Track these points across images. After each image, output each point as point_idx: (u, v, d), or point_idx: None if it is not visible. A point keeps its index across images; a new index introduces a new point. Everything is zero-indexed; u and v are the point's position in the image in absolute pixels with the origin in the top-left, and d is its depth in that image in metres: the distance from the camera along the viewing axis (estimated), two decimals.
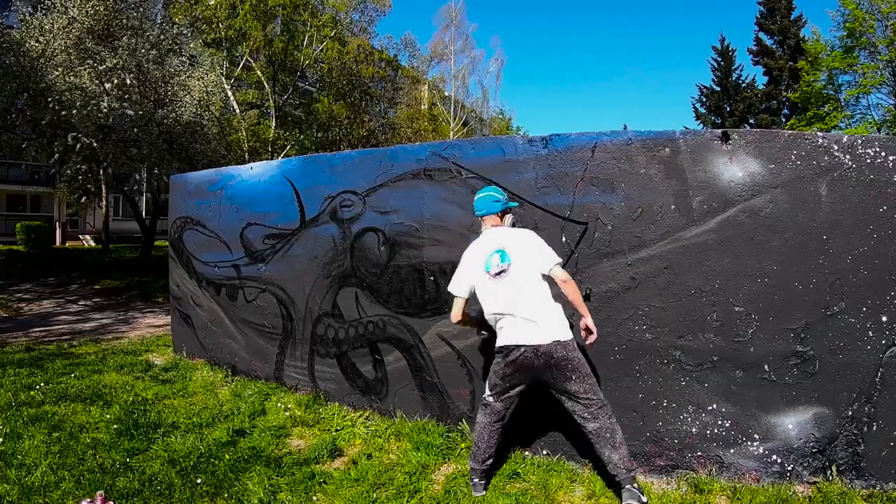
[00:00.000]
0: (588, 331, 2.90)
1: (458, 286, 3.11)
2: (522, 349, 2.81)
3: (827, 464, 3.06)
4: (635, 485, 2.75)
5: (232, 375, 5.26)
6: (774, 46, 25.60)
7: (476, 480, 3.00)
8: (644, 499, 2.71)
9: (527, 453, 3.51)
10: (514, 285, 2.87)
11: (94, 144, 11.52)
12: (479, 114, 30.93)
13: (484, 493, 2.97)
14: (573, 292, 2.83)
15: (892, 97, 19.51)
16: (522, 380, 2.91)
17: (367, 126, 23.67)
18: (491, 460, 3.03)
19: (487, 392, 3.02)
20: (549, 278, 2.89)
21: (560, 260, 2.89)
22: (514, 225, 3.25)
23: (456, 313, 3.15)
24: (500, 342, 2.93)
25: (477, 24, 40.84)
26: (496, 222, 3.13)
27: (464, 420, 3.83)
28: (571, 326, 2.95)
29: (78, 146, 11.12)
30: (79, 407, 4.28)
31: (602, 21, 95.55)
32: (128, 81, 11.71)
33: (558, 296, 2.92)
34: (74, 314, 9.62)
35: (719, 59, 27.89)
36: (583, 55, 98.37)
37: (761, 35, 26.04)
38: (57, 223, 25.15)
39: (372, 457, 3.51)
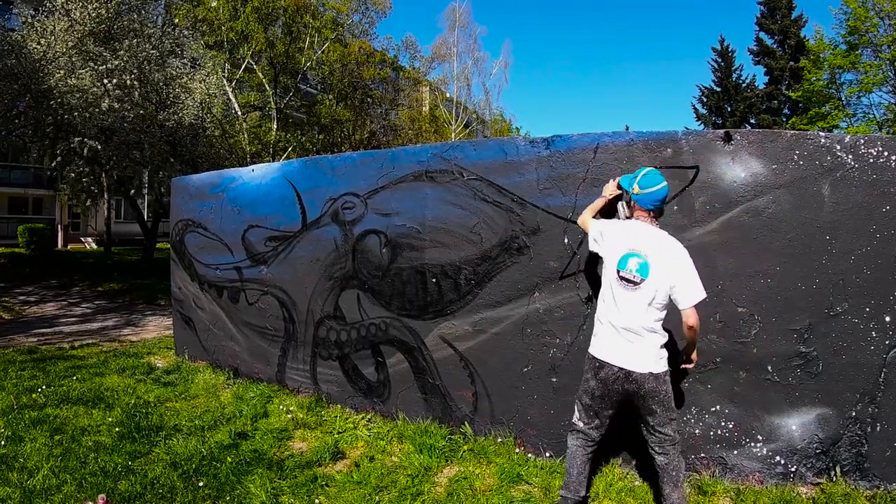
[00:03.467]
0: (689, 361, 2.79)
1: (590, 245, 2.91)
2: (616, 369, 2.61)
3: (830, 465, 3.05)
4: None
5: (234, 378, 5.25)
6: (775, 46, 25.58)
7: None
8: None
9: (530, 455, 3.51)
10: (638, 304, 2.60)
11: (98, 147, 11.54)
12: (481, 115, 30.91)
13: None
14: (694, 337, 2.64)
15: (893, 96, 19.46)
16: (613, 402, 2.69)
17: (368, 128, 23.71)
18: (584, 491, 2.80)
19: (577, 417, 2.81)
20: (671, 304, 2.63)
21: (702, 298, 2.56)
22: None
23: (583, 222, 3.05)
24: (592, 349, 2.75)
25: (486, 27, 40.75)
26: (649, 217, 2.73)
27: (466, 422, 3.82)
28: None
29: (85, 150, 11.14)
30: (80, 410, 4.28)
31: (602, 23, 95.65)
32: (128, 83, 11.73)
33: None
34: (76, 317, 9.64)
35: (719, 59, 27.90)
36: (584, 57, 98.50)
37: (762, 35, 26.03)
38: (59, 226, 25.23)
39: (374, 459, 3.50)
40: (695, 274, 2.57)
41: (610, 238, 2.76)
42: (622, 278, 2.63)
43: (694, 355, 2.77)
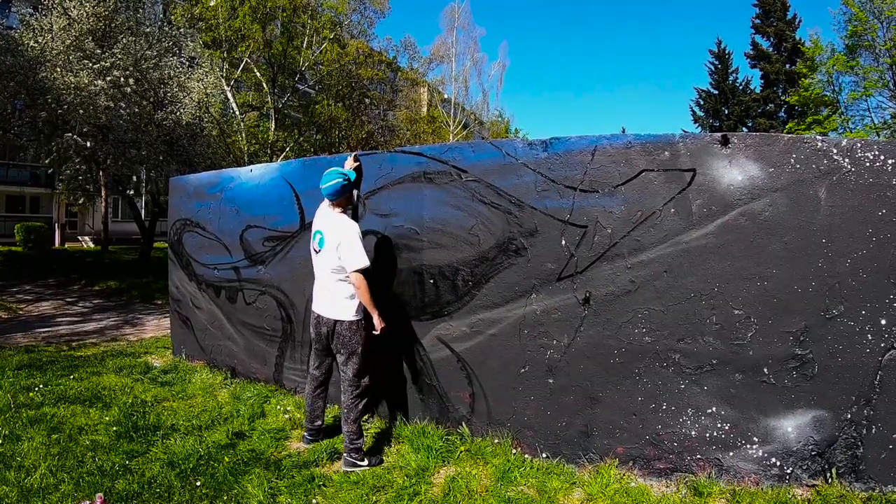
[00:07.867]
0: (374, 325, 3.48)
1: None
2: (316, 314, 3.54)
3: (826, 466, 3.06)
4: (348, 457, 3.41)
5: (231, 378, 5.25)
6: (770, 49, 25.68)
7: (306, 436, 3.79)
8: (354, 469, 3.36)
9: (527, 456, 3.52)
10: (322, 267, 3.51)
11: (90, 146, 11.51)
12: (479, 116, 30.86)
13: (309, 446, 3.73)
14: (363, 296, 3.36)
15: (892, 100, 19.53)
16: (323, 343, 3.55)
17: (366, 128, 23.66)
18: (319, 421, 3.78)
19: (309, 363, 3.79)
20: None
21: (360, 266, 3.31)
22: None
23: None
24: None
25: (484, 28, 40.62)
26: (330, 205, 3.55)
27: (463, 423, 3.83)
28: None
29: (79, 150, 11.11)
30: (78, 409, 4.27)
31: (601, 25, 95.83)
32: (124, 81, 11.70)
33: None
34: (74, 315, 9.61)
35: (716, 62, 28.02)
36: (582, 60, 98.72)
37: (757, 38, 26.13)
38: (56, 224, 25.16)
39: None
40: (353, 248, 3.32)
41: (314, 221, 3.64)
42: (315, 249, 3.55)
43: (376, 321, 3.43)
